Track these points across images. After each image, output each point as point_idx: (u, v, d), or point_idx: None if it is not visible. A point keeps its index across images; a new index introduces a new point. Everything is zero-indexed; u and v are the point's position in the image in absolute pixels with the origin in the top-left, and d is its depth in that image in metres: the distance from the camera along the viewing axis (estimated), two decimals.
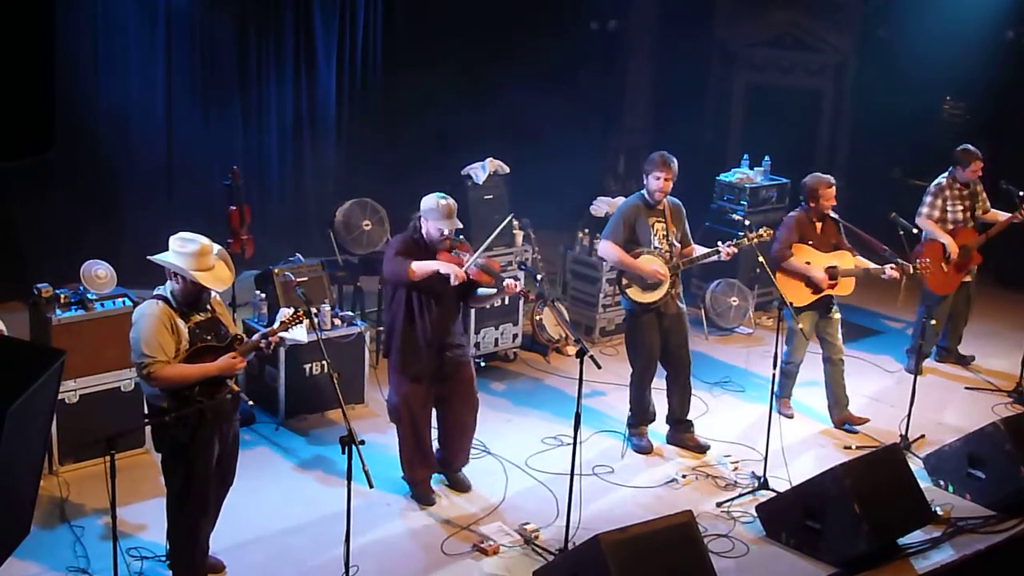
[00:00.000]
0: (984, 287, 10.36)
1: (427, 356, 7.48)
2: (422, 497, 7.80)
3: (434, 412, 7.81)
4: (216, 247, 6.36)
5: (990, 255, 10.11)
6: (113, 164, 10.90)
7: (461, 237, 7.64)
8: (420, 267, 7.21)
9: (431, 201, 7.35)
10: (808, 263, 8.81)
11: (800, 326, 8.75)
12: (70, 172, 10.64)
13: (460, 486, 7.99)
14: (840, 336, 9.07)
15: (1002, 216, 10.04)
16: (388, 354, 7.68)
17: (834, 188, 8.89)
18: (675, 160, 8.29)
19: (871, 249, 9.13)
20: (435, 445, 7.94)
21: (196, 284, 6.18)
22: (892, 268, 8.88)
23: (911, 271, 9.03)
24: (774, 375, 7.97)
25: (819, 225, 8.93)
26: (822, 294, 8.84)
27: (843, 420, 9.09)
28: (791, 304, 8.34)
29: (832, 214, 8.90)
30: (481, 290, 7.55)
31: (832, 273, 8.81)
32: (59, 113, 10.31)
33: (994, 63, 12.95)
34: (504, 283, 7.46)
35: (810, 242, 8.88)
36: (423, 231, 7.38)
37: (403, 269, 7.22)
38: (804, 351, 9.10)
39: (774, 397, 8.84)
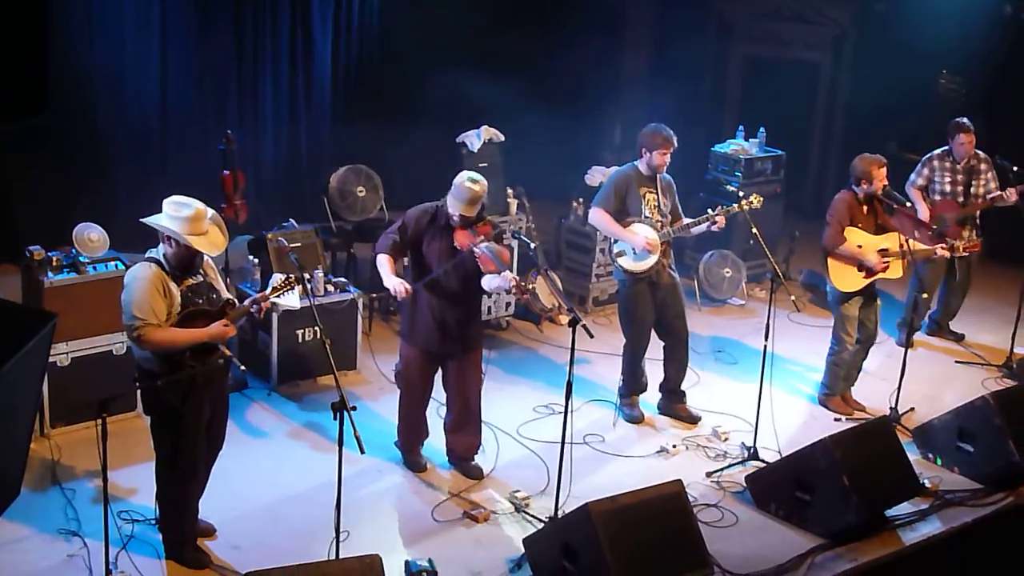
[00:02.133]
0: (977, 263, 10.36)
1: (431, 329, 7.44)
2: (413, 464, 7.83)
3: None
4: (210, 212, 6.34)
5: (982, 230, 10.10)
6: (107, 127, 10.87)
7: (488, 218, 7.52)
8: (379, 264, 7.32)
9: (460, 179, 7.22)
10: (860, 246, 8.58)
11: (847, 312, 8.68)
12: (64, 135, 10.61)
13: (473, 474, 7.83)
14: (878, 322, 8.98)
15: (994, 192, 10.03)
16: (400, 326, 7.72)
17: (886, 168, 8.61)
18: (674, 134, 8.31)
19: (916, 227, 9.07)
20: (443, 434, 7.92)
21: (189, 248, 6.16)
22: (943, 248, 8.80)
23: (960, 250, 8.95)
24: (765, 346, 7.96)
25: (865, 207, 8.71)
26: (875, 277, 8.63)
27: (842, 398, 9.07)
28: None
29: (883, 197, 8.63)
30: (486, 279, 7.32)
31: (883, 256, 8.60)
32: (53, 75, 10.26)
33: (992, 38, 12.90)
34: (504, 272, 7.16)
35: (859, 224, 8.62)
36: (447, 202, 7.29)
37: (378, 250, 7.36)
38: (853, 338, 8.81)
39: (821, 395, 8.91)
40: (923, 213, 9.74)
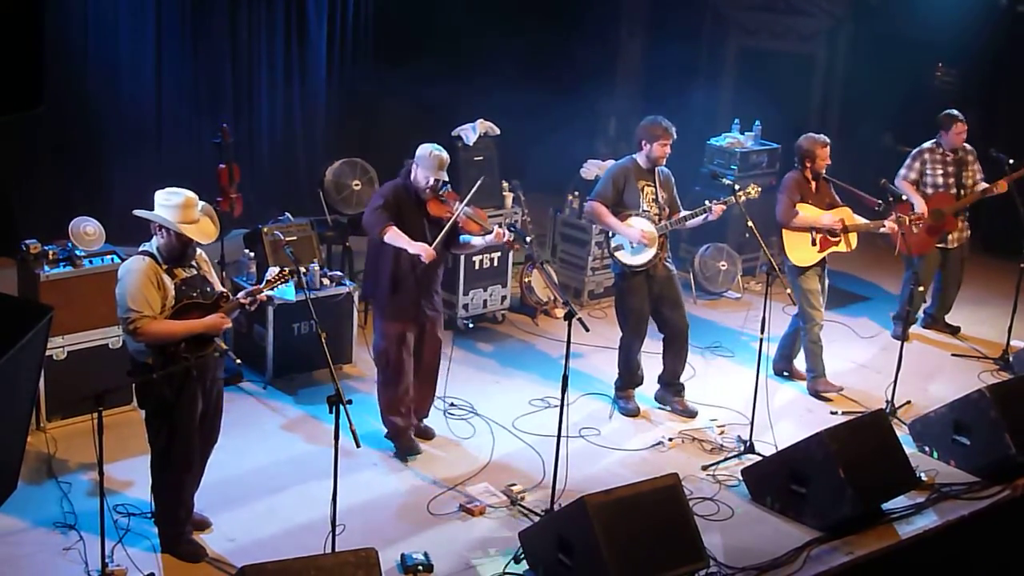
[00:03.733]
0: (971, 255, 10.36)
1: (411, 300, 7.58)
2: (407, 448, 7.84)
3: None
4: (201, 202, 6.35)
5: (978, 223, 10.10)
6: (103, 121, 10.85)
7: (449, 187, 7.70)
8: (392, 239, 7.34)
9: (425, 150, 7.49)
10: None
11: (808, 285, 8.82)
12: (60, 129, 10.59)
13: (425, 434, 8.10)
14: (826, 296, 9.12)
15: (983, 184, 10.04)
16: (370, 296, 7.83)
17: (828, 148, 8.86)
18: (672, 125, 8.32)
19: (864, 206, 9.14)
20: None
21: (181, 237, 6.17)
22: (890, 221, 8.91)
23: (907, 223, 9.03)
24: (761, 339, 7.97)
25: (814, 185, 8.91)
26: (827, 251, 8.85)
27: (793, 374, 9.26)
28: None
29: (826, 176, 8.92)
30: (465, 237, 7.66)
31: (832, 230, 8.83)
32: (49, 69, 10.24)
33: (987, 30, 12.90)
34: (494, 230, 7.56)
35: (809, 201, 8.86)
36: (412, 176, 7.52)
37: (379, 226, 7.37)
38: (821, 311, 8.95)
39: (809, 381, 8.96)
40: (919, 206, 9.74)
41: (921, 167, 9.99)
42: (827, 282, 9.10)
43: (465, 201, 7.60)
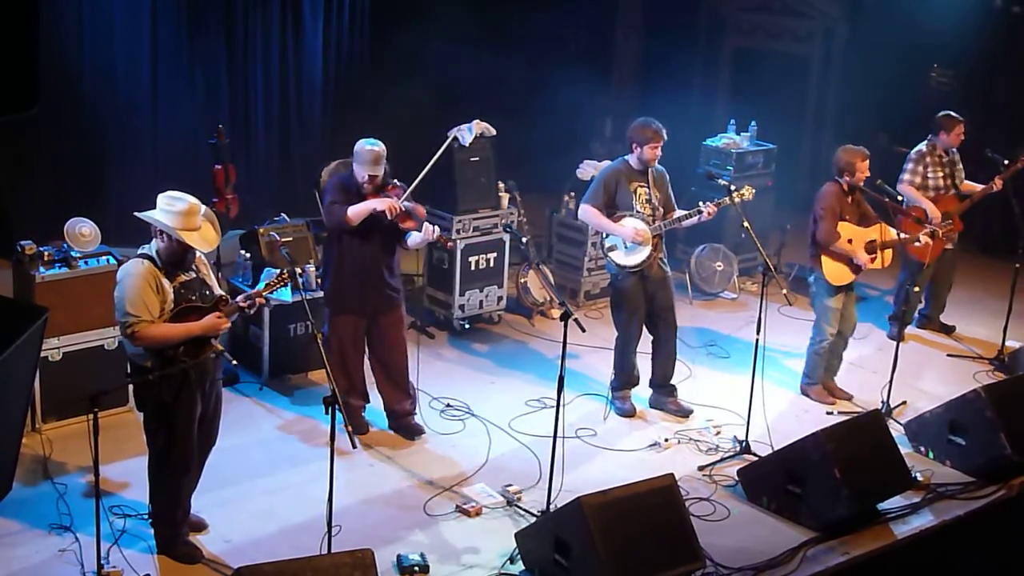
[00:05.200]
0: (967, 255, 10.37)
1: (354, 290, 7.74)
2: (358, 426, 7.94)
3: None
4: (203, 208, 6.33)
5: (973, 223, 10.10)
6: (98, 121, 10.84)
7: (395, 181, 7.85)
8: (355, 211, 7.51)
9: (358, 146, 7.68)
10: (850, 241, 8.63)
11: (834, 305, 8.75)
12: (55, 129, 10.58)
13: (411, 432, 8.14)
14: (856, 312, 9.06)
15: (977, 187, 10.04)
16: (323, 294, 8.01)
17: (868, 160, 8.63)
18: (663, 127, 8.31)
19: (895, 215, 9.10)
20: (380, 398, 8.18)
21: (181, 243, 6.15)
22: (924, 235, 8.86)
23: (939, 234, 9.00)
24: (757, 340, 7.97)
25: (851, 198, 8.74)
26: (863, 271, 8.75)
27: (826, 388, 9.10)
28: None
29: (864, 187, 8.70)
30: (410, 236, 7.75)
31: (871, 248, 8.68)
32: (44, 69, 10.23)
33: (982, 31, 12.92)
34: (423, 226, 7.63)
35: (846, 216, 8.67)
36: (353, 172, 7.71)
37: (340, 216, 7.53)
38: (836, 328, 8.87)
39: (803, 383, 8.95)
40: (932, 211, 9.69)
41: (924, 170, 9.94)
42: (855, 293, 8.99)
43: (405, 196, 7.77)
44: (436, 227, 7.65)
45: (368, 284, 7.76)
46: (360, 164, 7.62)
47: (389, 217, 7.50)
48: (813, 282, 8.89)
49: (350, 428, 5.85)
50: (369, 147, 7.60)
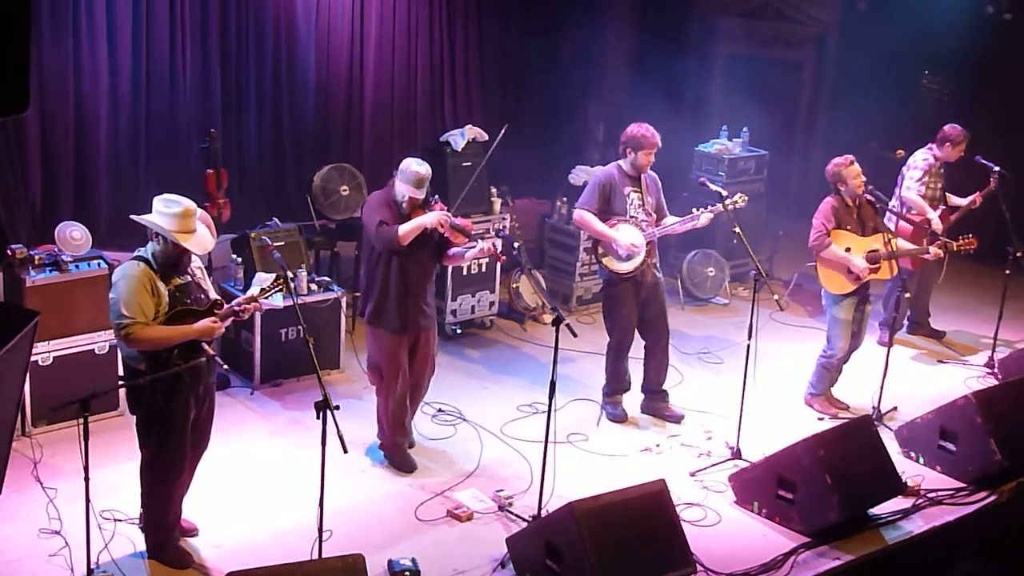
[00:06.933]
0: (957, 262, 10.34)
1: (403, 314, 7.51)
2: (400, 463, 7.80)
3: None
4: (199, 211, 6.33)
5: (964, 230, 10.09)
6: (90, 125, 10.78)
7: (436, 197, 7.65)
8: (406, 230, 7.30)
9: (405, 164, 7.46)
10: (848, 249, 8.59)
11: (843, 316, 8.70)
12: (45, 133, 10.53)
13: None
14: (866, 327, 9.02)
15: (961, 201, 10.04)
16: (364, 314, 7.69)
17: (857, 166, 8.58)
18: (657, 132, 8.31)
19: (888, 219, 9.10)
20: None
21: (177, 246, 6.15)
22: (935, 248, 8.85)
23: (954, 248, 9.00)
24: (749, 345, 7.97)
25: (855, 209, 8.71)
26: (864, 280, 8.66)
27: (825, 398, 9.08)
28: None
29: (868, 196, 8.63)
30: (454, 250, 7.58)
31: (873, 258, 8.61)
32: (35, 73, 10.19)
33: (973, 38, 12.94)
34: (478, 244, 7.52)
35: (847, 227, 8.62)
36: (395, 188, 7.49)
37: (392, 236, 7.30)
38: (847, 342, 8.82)
39: (808, 395, 8.98)
40: (936, 223, 9.67)
41: (929, 180, 9.94)
42: (870, 307, 8.95)
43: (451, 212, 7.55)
44: (495, 241, 7.54)
45: (416, 305, 7.56)
46: (403, 183, 7.41)
47: (441, 229, 7.35)
48: (823, 295, 8.88)
49: (341, 433, 5.83)
50: (416, 168, 7.39)
